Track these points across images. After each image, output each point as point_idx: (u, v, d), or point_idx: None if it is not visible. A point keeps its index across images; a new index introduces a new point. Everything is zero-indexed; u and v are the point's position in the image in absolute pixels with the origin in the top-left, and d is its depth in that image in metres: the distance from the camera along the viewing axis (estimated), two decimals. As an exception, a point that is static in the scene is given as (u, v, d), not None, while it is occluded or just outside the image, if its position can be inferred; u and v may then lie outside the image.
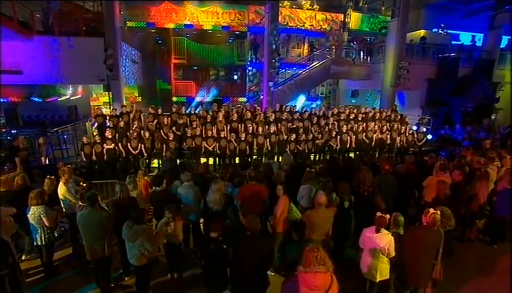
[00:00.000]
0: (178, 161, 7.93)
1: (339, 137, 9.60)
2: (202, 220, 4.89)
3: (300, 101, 15.72)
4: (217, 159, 8.89)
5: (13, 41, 9.55)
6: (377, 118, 10.95)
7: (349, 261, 4.12)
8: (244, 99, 16.30)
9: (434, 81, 14.58)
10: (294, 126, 9.70)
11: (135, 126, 8.86)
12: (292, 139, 8.99)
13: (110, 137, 8.09)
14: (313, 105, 15.86)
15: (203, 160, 7.75)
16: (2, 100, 12.83)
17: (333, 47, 15.84)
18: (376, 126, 10.32)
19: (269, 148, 8.94)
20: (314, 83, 15.62)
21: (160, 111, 9.63)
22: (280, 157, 8.63)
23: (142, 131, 8.59)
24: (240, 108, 10.66)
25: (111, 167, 8.24)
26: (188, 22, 14.25)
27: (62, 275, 4.59)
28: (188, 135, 8.57)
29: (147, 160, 8.53)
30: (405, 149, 10.15)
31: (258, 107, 11.23)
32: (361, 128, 10.10)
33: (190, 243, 5.14)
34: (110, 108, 10.57)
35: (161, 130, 8.83)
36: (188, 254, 4.94)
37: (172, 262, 4.42)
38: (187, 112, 10.29)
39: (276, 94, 13.48)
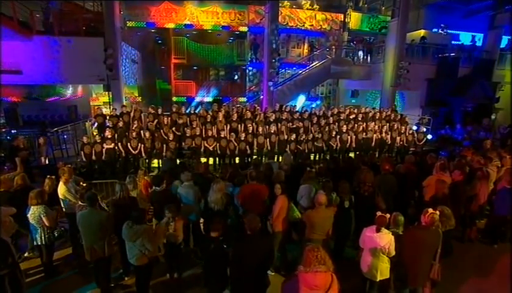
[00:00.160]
0: (178, 161, 7.93)
1: (339, 136, 9.60)
2: (201, 220, 4.89)
3: (300, 101, 15.72)
4: (217, 158, 8.89)
5: (12, 41, 9.54)
6: (377, 118, 10.95)
7: (349, 261, 4.12)
8: (244, 99, 16.30)
9: (434, 81, 14.58)
10: (294, 126, 9.70)
11: (135, 125, 8.86)
12: (292, 139, 9.00)
13: (109, 136, 8.09)
14: (313, 105, 15.86)
15: (203, 160, 7.75)
16: (2, 100, 12.82)
17: (333, 47, 15.84)
18: (376, 126, 10.32)
19: (269, 148, 8.94)
20: (314, 83, 15.61)
21: (160, 111, 9.63)
22: (280, 157, 8.63)
23: (142, 131, 8.60)
24: (240, 108, 10.66)
25: (111, 167, 8.24)
26: (188, 22, 14.26)
27: (62, 275, 4.58)
28: (187, 135, 8.57)
29: (146, 160, 8.53)
30: (405, 149, 10.15)
31: (258, 107, 11.23)
32: (361, 128, 10.10)
33: (190, 243, 5.14)
34: (109, 108, 10.57)
35: (161, 130, 8.84)
36: (188, 254, 4.93)
37: (171, 261, 4.42)
38: (187, 111, 10.29)
39: (276, 94, 13.47)
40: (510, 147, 9.33)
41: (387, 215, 3.57)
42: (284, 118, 10.08)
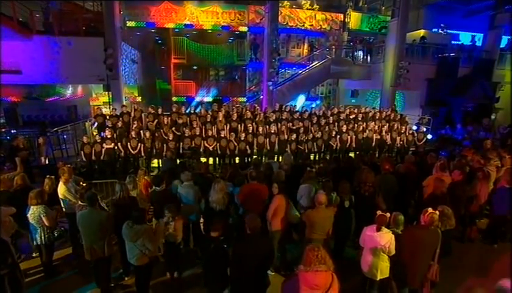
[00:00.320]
0: (178, 161, 7.94)
1: (339, 136, 9.60)
2: (201, 220, 4.88)
3: (300, 101, 15.73)
4: (217, 158, 8.88)
5: (12, 41, 9.54)
6: (377, 117, 10.95)
7: (349, 261, 4.12)
8: (243, 99, 16.30)
9: (434, 81, 14.59)
10: (295, 128, 9.70)
11: (135, 125, 8.86)
12: (292, 139, 9.00)
13: (109, 136, 8.09)
14: (313, 105, 15.87)
15: (203, 160, 7.75)
16: (2, 100, 12.82)
17: (333, 47, 15.84)
18: (376, 126, 10.32)
19: (268, 148, 8.93)
20: (314, 83, 15.61)
21: (159, 111, 9.63)
22: (280, 157, 8.63)
23: (142, 131, 8.59)
24: (240, 108, 10.66)
25: (111, 167, 8.24)
26: (188, 22, 14.25)
27: (62, 275, 4.58)
28: (186, 135, 8.56)
29: (146, 160, 8.52)
30: (405, 149, 10.16)
31: (258, 107, 11.24)
32: (361, 128, 10.10)
33: (190, 243, 5.13)
34: (109, 108, 10.57)
35: (161, 130, 8.83)
36: (187, 254, 4.93)
37: (170, 261, 4.41)
38: (187, 111, 10.29)
39: (276, 94, 13.47)
40: (510, 147, 9.34)
41: (387, 214, 3.57)
42: (284, 118, 10.08)
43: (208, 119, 9.39)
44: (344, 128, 9.65)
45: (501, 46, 16.05)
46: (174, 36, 15.58)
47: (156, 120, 9.28)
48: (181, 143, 8.47)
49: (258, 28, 14.70)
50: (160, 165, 8.40)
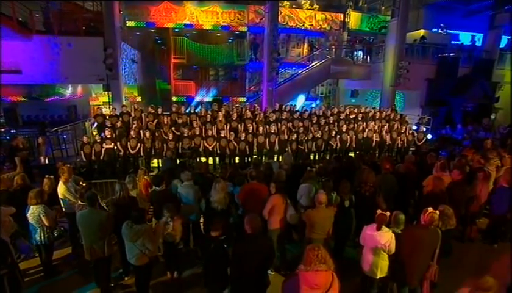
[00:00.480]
0: (178, 161, 7.93)
1: (338, 136, 9.60)
2: (201, 220, 4.88)
3: (300, 101, 15.73)
4: (216, 158, 8.87)
5: (12, 41, 9.53)
6: (377, 117, 10.95)
7: (350, 260, 4.12)
8: (243, 99, 16.30)
9: (434, 81, 14.59)
10: (295, 130, 9.68)
11: (135, 125, 8.85)
12: (292, 138, 8.99)
13: (109, 136, 8.08)
14: (313, 105, 15.87)
15: (203, 159, 7.75)
16: (1, 99, 12.81)
17: (333, 47, 15.84)
18: (376, 126, 10.32)
19: (268, 148, 8.93)
20: (314, 83, 15.62)
21: (159, 111, 9.62)
22: (280, 157, 8.62)
23: (142, 131, 8.58)
24: (240, 108, 10.65)
25: (111, 167, 8.23)
26: (188, 22, 14.26)
27: (61, 275, 4.57)
28: (185, 134, 8.54)
29: (146, 160, 8.51)
30: (405, 149, 10.15)
31: (258, 107, 11.23)
32: (361, 128, 10.10)
33: (190, 243, 5.13)
34: (109, 108, 10.56)
35: (161, 130, 8.83)
36: (187, 254, 4.92)
37: (170, 261, 4.41)
38: (187, 111, 10.28)
39: (276, 94, 13.47)
40: (510, 147, 9.34)
41: (388, 213, 3.56)
42: (284, 117, 10.07)
43: (208, 119, 9.39)
44: (344, 128, 9.65)
45: (501, 46, 16.08)
46: (173, 36, 15.57)
47: (156, 120, 9.28)
48: (181, 143, 8.48)
49: (257, 28, 14.71)
50: (160, 165, 8.40)
